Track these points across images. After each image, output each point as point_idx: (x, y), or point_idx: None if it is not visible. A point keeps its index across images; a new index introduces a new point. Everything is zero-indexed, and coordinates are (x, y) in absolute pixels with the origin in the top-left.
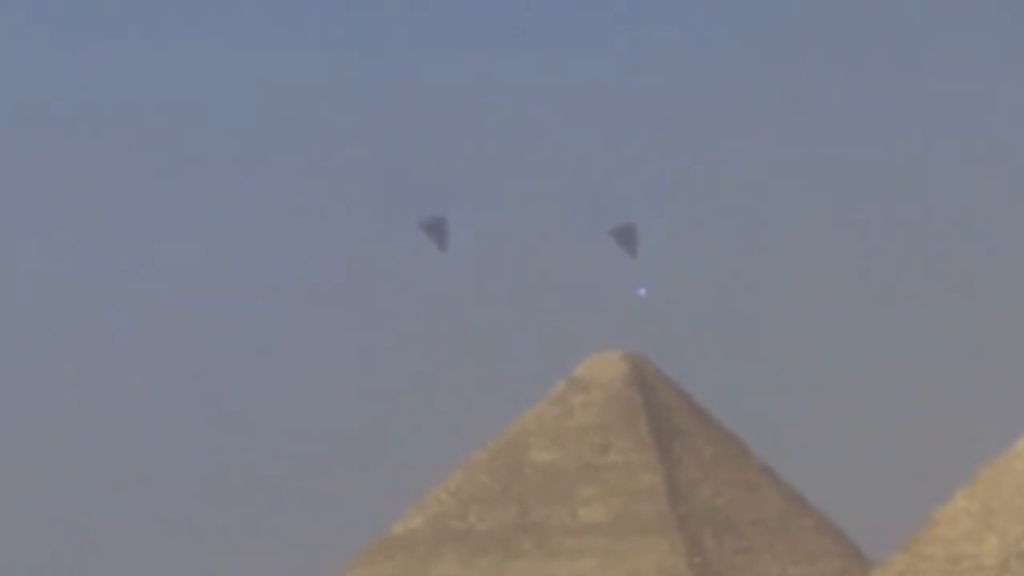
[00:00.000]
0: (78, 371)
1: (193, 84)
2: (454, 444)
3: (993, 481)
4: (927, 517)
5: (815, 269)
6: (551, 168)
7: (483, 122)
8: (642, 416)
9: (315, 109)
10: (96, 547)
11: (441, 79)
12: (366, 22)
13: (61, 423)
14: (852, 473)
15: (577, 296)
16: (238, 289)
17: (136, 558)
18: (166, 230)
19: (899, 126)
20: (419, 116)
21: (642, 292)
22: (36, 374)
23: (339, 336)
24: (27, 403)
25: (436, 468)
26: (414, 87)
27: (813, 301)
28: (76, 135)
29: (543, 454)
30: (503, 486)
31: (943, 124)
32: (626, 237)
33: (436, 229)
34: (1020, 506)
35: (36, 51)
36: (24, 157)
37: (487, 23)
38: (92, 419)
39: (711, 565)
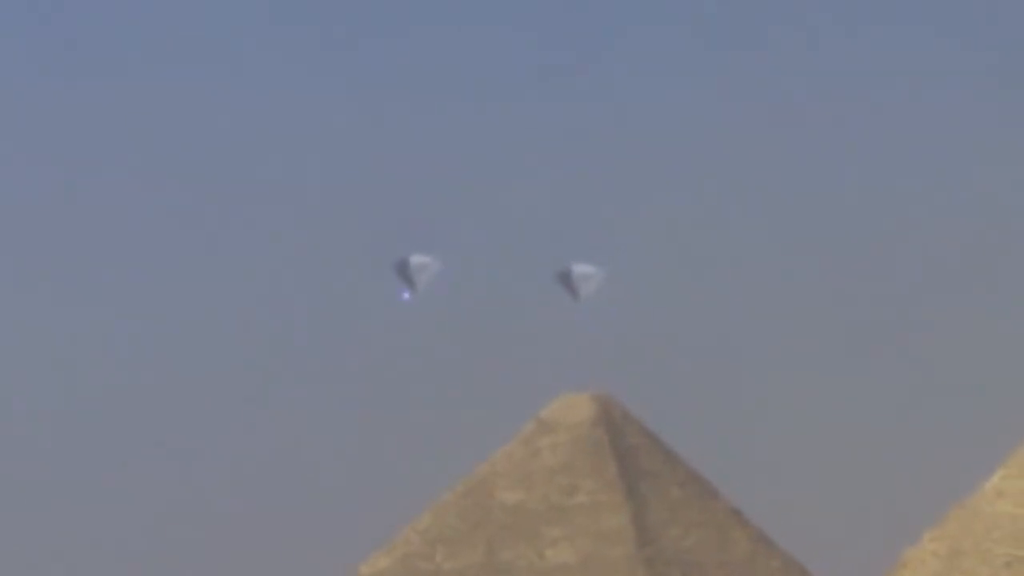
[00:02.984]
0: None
1: (172, 126)
2: (422, 484)
3: (961, 523)
4: (895, 559)
5: (782, 308)
6: (510, 212)
7: (444, 169)
8: (610, 457)
9: (293, 160)
10: None
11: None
12: (341, 77)
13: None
14: (820, 514)
15: (543, 337)
16: (210, 333)
17: None
18: (145, 270)
19: (846, 167)
20: (389, 162)
21: (581, 321)
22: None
23: (305, 379)
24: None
25: (404, 508)
26: (383, 136)
27: (778, 340)
28: (65, 172)
29: (511, 495)
30: (471, 527)
31: (893, 160)
32: (566, 281)
33: (404, 272)
34: (988, 548)
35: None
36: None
37: (456, 76)
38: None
39: None
